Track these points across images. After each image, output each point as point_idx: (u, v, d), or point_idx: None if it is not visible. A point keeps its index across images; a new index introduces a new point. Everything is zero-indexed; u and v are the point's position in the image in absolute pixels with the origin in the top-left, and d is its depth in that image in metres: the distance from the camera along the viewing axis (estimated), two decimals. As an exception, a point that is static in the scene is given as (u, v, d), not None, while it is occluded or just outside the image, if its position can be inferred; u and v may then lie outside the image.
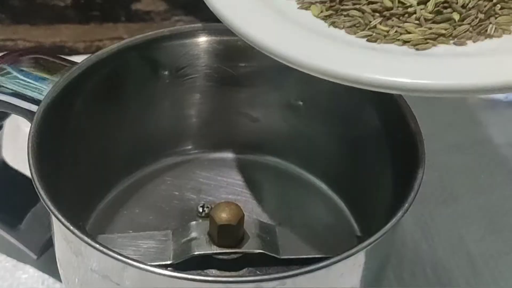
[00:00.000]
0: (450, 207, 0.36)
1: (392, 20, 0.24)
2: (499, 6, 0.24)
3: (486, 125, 0.40)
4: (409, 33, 0.24)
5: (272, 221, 0.31)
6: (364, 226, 0.31)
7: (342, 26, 0.25)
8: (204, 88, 0.33)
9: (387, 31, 0.24)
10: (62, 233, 0.25)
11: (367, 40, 0.24)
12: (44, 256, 0.32)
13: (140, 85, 0.31)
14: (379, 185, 0.30)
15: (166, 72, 0.32)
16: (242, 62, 0.32)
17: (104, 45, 0.44)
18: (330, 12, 0.25)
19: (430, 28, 0.24)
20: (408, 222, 0.35)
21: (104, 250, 0.23)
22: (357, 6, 0.25)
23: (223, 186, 0.33)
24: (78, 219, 0.29)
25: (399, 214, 0.24)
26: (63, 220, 0.24)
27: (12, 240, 0.32)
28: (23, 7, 0.45)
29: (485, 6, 0.24)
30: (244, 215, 0.27)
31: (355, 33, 0.24)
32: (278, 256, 0.27)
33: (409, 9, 0.24)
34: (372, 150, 0.30)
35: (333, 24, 0.25)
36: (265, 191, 0.32)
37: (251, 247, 0.27)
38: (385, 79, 0.22)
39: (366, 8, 0.25)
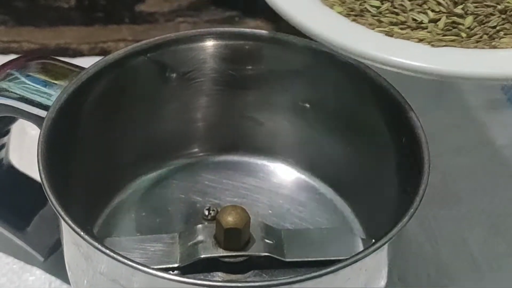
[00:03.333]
0: (454, 209, 0.36)
1: (406, 29, 0.28)
2: (502, 33, 0.27)
3: (489, 127, 0.41)
4: (422, 36, 0.27)
5: (277, 224, 0.31)
6: (369, 229, 0.31)
7: (363, 23, 0.28)
8: (211, 92, 0.33)
9: (403, 34, 0.27)
10: (71, 237, 0.26)
11: (385, 35, 0.27)
12: (51, 258, 0.32)
13: (147, 89, 0.32)
14: (383, 188, 0.30)
15: (173, 76, 0.32)
16: (248, 66, 0.32)
17: (108, 47, 0.44)
18: (352, 18, 0.28)
19: (442, 38, 0.27)
20: (412, 224, 0.35)
21: (114, 255, 0.24)
22: (376, 18, 0.28)
23: (228, 189, 0.33)
24: (86, 222, 0.29)
25: (405, 219, 0.25)
26: (73, 225, 0.24)
27: (19, 242, 0.32)
28: (27, 9, 0.46)
29: (489, 31, 0.27)
30: (250, 218, 0.27)
31: (373, 29, 0.28)
32: (284, 259, 0.27)
33: (422, 25, 0.27)
34: (377, 153, 0.30)
35: (355, 20, 0.28)
36: (270, 194, 0.33)
37: (257, 250, 0.27)
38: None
39: (384, 19, 0.28)
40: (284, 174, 0.34)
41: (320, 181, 0.33)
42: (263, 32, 0.32)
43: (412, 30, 0.27)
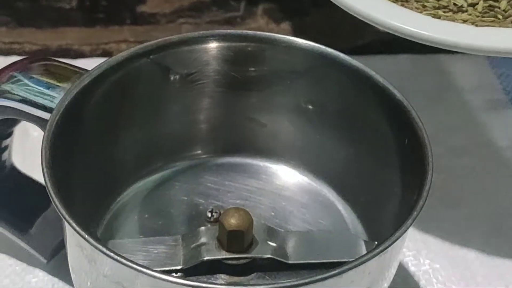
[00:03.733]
0: (455, 210, 0.36)
1: (449, 12, 0.31)
2: None
3: (490, 128, 0.41)
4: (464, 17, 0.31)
5: (280, 226, 0.31)
6: (372, 231, 0.31)
7: (410, 8, 0.32)
8: (213, 94, 0.33)
9: (446, 15, 0.31)
10: (75, 239, 0.26)
11: (433, 17, 0.31)
12: (54, 260, 0.33)
13: (150, 91, 0.32)
14: (386, 191, 0.30)
15: (176, 78, 0.32)
16: (251, 68, 0.32)
17: (110, 48, 0.44)
18: (400, 3, 0.32)
19: (482, 20, 0.31)
20: (413, 224, 0.35)
21: (117, 258, 0.24)
22: (420, 3, 0.32)
23: (231, 191, 0.33)
24: (89, 224, 0.29)
25: (409, 222, 0.25)
26: (77, 228, 0.24)
27: (22, 244, 0.32)
28: (28, 10, 0.45)
29: None
30: (253, 220, 0.27)
31: (421, 12, 0.31)
32: (287, 261, 0.27)
33: (463, 8, 0.31)
34: (380, 155, 0.30)
35: (403, 5, 0.32)
36: (273, 196, 0.33)
37: (260, 252, 0.27)
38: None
39: (428, 4, 0.31)
40: (286, 176, 0.34)
41: (323, 183, 0.33)
42: (266, 34, 0.32)
43: (454, 13, 0.31)
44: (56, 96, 0.28)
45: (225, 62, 0.32)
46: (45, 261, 0.32)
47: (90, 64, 0.30)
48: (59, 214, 0.25)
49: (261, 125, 0.34)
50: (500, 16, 0.31)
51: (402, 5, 0.32)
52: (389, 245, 0.24)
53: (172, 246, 0.28)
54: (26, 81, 0.29)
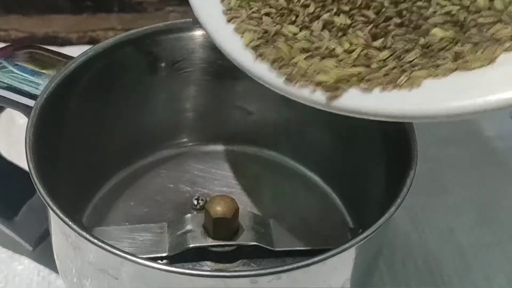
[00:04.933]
0: (441, 199, 0.36)
1: (315, 58, 0.24)
2: (417, 67, 0.23)
3: (477, 118, 0.41)
4: (325, 72, 0.24)
5: (266, 214, 0.31)
6: (357, 218, 0.31)
7: (267, 60, 0.25)
8: (200, 82, 0.33)
9: (306, 69, 0.24)
10: (59, 227, 0.26)
11: (286, 79, 0.24)
12: (39, 247, 0.33)
13: (136, 78, 0.32)
14: (371, 178, 0.30)
15: (162, 66, 0.32)
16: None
17: (97, 36, 0.44)
18: (260, 42, 0.25)
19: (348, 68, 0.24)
20: (399, 213, 0.35)
21: (102, 245, 0.24)
22: (288, 42, 0.25)
23: (217, 178, 0.33)
24: (74, 212, 0.29)
25: (392, 209, 0.25)
26: (61, 215, 0.24)
27: (8, 231, 0.32)
28: (15, -3, 0.45)
29: (402, 66, 0.23)
30: (239, 208, 0.27)
31: (277, 69, 0.25)
32: (272, 248, 0.28)
33: (334, 52, 0.24)
34: (365, 143, 0.30)
35: (260, 56, 0.25)
36: (259, 183, 0.33)
37: (246, 239, 0.27)
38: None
39: (295, 46, 0.25)
40: (272, 164, 0.34)
41: (309, 171, 0.33)
42: None
43: (320, 59, 0.24)
44: (41, 83, 0.28)
45: (212, 50, 0.32)
46: (30, 248, 0.32)
47: (77, 51, 0.30)
48: (43, 200, 0.25)
49: (248, 113, 0.34)
50: (374, 66, 0.23)
51: (260, 55, 0.25)
52: (372, 232, 0.24)
53: (158, 233, 0.28)
54: (11, 68, 0.29)
